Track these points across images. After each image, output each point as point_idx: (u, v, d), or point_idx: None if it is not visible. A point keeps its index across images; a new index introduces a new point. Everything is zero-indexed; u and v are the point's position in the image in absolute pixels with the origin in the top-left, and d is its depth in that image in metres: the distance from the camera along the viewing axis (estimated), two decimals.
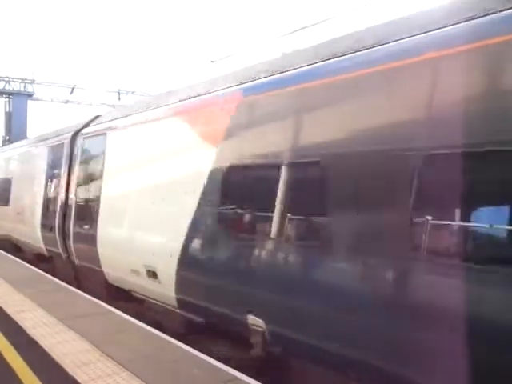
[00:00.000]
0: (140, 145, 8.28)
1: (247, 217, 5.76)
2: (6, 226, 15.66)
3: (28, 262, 12.21)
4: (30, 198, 13.41)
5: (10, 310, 7.15)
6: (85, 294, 8.42)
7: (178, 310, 6.89)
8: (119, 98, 37.95)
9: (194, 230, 6.41)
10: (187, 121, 7.06)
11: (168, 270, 6.75)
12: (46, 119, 62.45)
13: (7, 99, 36.69)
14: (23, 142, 18.07)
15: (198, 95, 7.03)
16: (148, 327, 6.41)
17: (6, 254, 13.71)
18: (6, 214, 15.58)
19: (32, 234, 12.87)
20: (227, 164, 6.04)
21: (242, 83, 6.22)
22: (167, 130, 7.54)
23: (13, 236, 15.09)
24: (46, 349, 5.51)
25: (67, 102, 38.04)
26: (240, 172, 5.94)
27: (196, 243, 6.45)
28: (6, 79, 36.11)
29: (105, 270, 8.90)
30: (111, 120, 9.75)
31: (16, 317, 6.81)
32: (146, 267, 7.30)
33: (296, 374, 5.20)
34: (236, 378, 4.70)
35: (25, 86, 36.82)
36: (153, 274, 7.18)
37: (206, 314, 6.33)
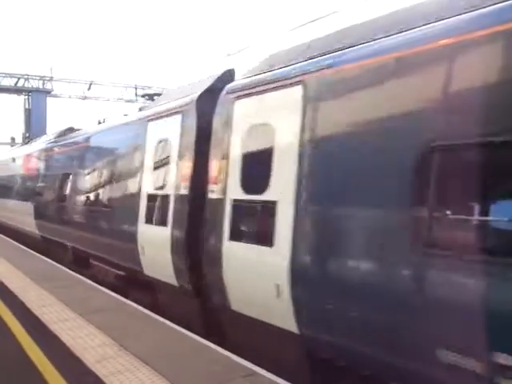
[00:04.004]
0: None
1: None
2: None
3: None
4: None
5: (30, 305, 7.24)
6: (102, 288, 8.49)
7: None
8: (136, 94, 38.12)
9: None
10: None
11: None
12: (65, 115, 63.12)
13: (26, 96, 37.18)
14: None
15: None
16: (166, 321, 6.42)
17: (26, 248, 13.89)
18: None
19: None
20: None
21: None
22: None
23: None
24: (67, 343, 5.55)
25: (85, 98, 38.39)
26: None
27: None
28: (25, 77, 36.56)
29: None
30: None
31: (37, 312, 6.88)
32: None
33: None
34: (255, 373, 4.67)
35: (43, 83, 37.23)
36: None
37: None
